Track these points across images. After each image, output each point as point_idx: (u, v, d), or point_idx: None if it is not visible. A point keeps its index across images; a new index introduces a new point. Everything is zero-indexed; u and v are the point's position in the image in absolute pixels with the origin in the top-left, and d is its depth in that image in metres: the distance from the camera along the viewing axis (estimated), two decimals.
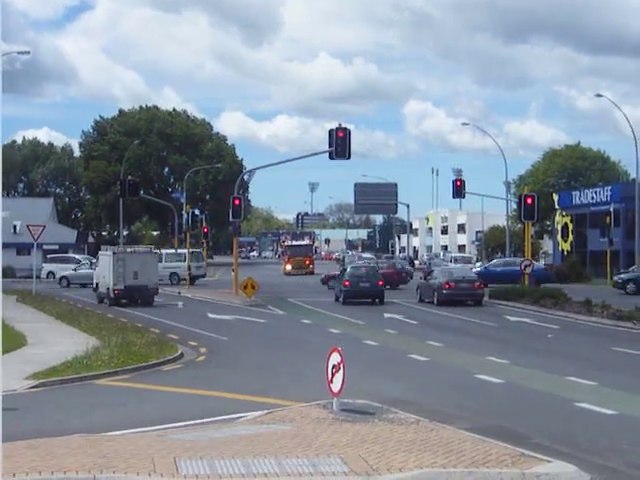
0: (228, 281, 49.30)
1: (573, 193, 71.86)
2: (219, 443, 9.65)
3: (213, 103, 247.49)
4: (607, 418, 12.09)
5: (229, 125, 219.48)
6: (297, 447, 9.43)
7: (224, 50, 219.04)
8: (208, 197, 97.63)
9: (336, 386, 11.48)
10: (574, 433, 10.97)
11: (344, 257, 76.29)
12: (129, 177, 53.62)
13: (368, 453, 9.12)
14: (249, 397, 13.69)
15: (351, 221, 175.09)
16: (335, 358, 11.46)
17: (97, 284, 38.60)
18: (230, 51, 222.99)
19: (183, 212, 59.96)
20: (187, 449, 9.31)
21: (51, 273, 58.53)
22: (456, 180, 50.72)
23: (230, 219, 41.15)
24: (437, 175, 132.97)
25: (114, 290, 35.39)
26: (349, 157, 33.38)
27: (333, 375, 11.49)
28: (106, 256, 36.84)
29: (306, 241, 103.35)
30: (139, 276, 35.59)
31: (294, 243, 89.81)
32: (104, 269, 36.64)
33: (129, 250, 37.95)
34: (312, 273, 70.73)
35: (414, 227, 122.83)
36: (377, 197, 71.64)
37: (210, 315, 30.92)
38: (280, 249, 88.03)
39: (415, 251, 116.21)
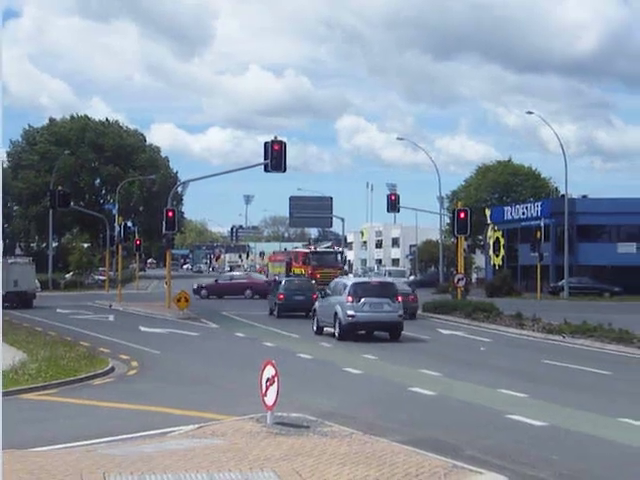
0: (161, 294, 48.75)
1: (505, 208, 73.18)
2: (150, 458, 9.47)
3: (143, 115, 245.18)
4: (537, 430, 12.25)
5: (160, 137, 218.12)
6: (230, 461, 9.31)
7: (155, 62, 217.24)
8: (141, 209, 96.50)
9: (270, 399, 11.39)
10: (505, 445, 11.08)
11: None
12: (59, 188, 52.71)
13: (302, 466, 9.05)
14: (181, 411, 13.49)
15: (286, 234, 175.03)
16: (269, 371, 11.37)
17: None
18: (161, 63, 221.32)
19: (115, 224, 59.11)
20: (117, 464, 9.11)
21: None
22: (390, 195, 51.30)
23: (163, 231, 40.74)
24: (372, 190, 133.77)
25: None
26: (285, 170, 33.38)
27: (267, 388, 11.39)
28: None
29: (330, 246, 79.94)
30: (19, 283, 40.64)
31: (318, 249, 68.81)
32: None
33: (10, 261, 43.09)
34: None
35: (349, 241, 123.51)
36: (312, 210, 71.79)
37: (142, 328, 30.49)
38: (284, 257, 65.64)
39: (350, 264, 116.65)
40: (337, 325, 26.83)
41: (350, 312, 26.28)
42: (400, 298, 27.63)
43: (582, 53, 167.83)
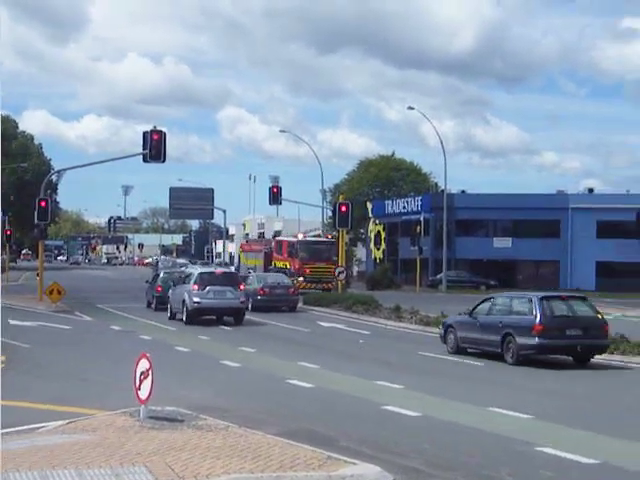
0: (33, 286, 47.10)
1: (386, 202, 74.32)
2: (15, 455, 9.05)
3: (14, 100, 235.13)
4: (411, 420, 12.43)
5: (33, 124, 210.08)
6: (100, 457, 9.00)
7: (26, 46, 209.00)
8: (13, 198, 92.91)
9: (144, 393, 11.10)
10: (380, 435, 11.18)
11: (157, 262, 74.93)
12: None
13: (175, 461, 8.85)
14: (51, 406, 13.00)
15: (166, 226, 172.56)
16: (144, 364, 11.08)
17: None
18: (33, 48, 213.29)
19: None
20: None
21: None
22: (273, 187, 51.24)
23: (36, 221, 39.36)
24: (254, 182, 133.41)
25: None
26: (164, 160, 32.79)
27: (141, 382, 11.11)
28: None
29: (323, 235, 59.95)
30: None
31: (308, 238, 52.70)
32: None
33: None
34: (330, 290, 43.49)
35: (231, 233, 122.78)
36: (193, 202, 71.04)
37: (11, 321, 29.28)
38: (262, 247, 53.11)
39: (231, 257, 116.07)
40: (184, 310, 29.49)
41: (196, 299, 29.18)
42: (242, 286, 30.76)
43: (459, 51, 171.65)
